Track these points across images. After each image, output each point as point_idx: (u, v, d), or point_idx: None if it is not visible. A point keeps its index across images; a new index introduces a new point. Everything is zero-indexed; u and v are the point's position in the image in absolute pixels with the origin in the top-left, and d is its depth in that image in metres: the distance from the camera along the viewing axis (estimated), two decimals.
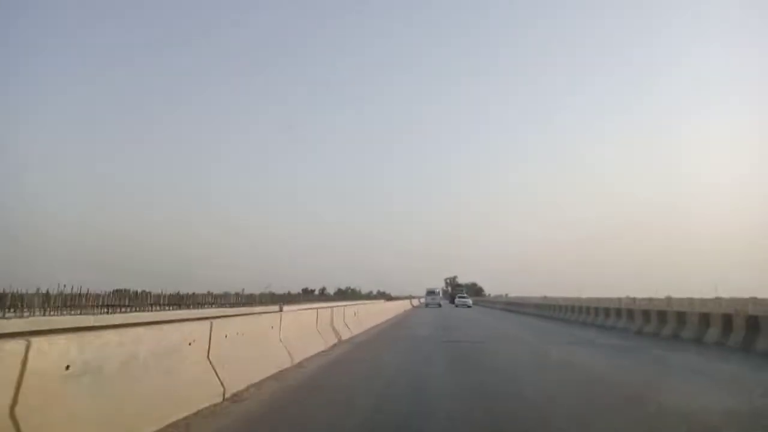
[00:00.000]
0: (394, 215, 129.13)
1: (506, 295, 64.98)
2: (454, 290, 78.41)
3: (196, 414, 4.58)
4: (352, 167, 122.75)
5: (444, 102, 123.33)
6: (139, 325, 5.35)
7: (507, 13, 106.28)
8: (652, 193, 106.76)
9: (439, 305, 49.51)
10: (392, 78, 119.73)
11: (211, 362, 5.21)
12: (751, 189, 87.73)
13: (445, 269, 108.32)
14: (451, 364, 8.99)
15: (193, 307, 17.24)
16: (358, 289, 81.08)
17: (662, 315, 16.16)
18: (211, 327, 5.35)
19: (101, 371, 3.62)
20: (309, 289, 73.86)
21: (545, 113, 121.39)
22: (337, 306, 13.03)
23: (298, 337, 8.28)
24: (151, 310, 14.65)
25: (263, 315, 8.34)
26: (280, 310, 9.50)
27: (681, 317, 15.02)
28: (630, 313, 18.49)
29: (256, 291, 40.25)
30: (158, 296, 16.15)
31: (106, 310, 13.13)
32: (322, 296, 66.73)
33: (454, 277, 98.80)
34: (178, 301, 17.21)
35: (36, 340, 3.13)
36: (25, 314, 10.90)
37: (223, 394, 5.19)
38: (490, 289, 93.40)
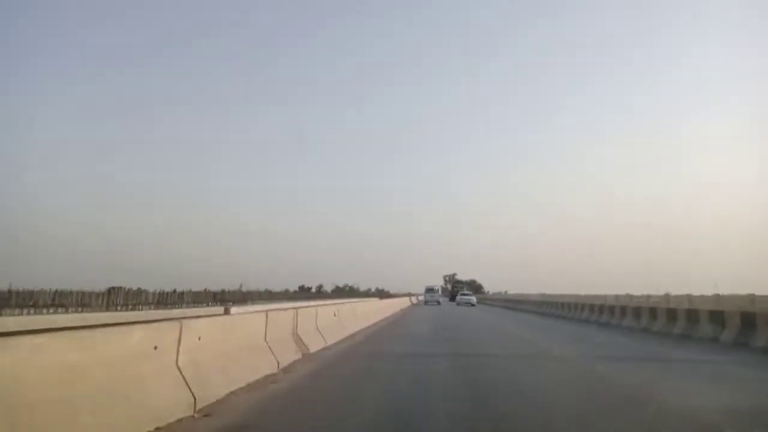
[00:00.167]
0: (394, 215, 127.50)
1: (505, 292, 63.65)
2: (455, 287, 74.13)
3: None
4: (352, 167, 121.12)
5: (444, 102, 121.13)
6: None
7: (507, 13, 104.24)
8: (652, 192, 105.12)
9: (439, 303, 48.56)
10: (392, 78, 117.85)
11: None
12: (751, 189, 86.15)
13: (444, 267, 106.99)
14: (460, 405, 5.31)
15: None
16: (356, 287, 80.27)
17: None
18: None
19: None
20: (306, 286, 72.88)
21: (545, 113, 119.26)
22: (308, 306, 10.19)
23: (224, 357, 5.40)
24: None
25: (136, 326, 4.31)
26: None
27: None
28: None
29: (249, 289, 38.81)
30: None
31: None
32: (319, 294, 65.76)
33: (454, 275, 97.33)
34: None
35: None
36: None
37: None
38: (489, 286, 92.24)
